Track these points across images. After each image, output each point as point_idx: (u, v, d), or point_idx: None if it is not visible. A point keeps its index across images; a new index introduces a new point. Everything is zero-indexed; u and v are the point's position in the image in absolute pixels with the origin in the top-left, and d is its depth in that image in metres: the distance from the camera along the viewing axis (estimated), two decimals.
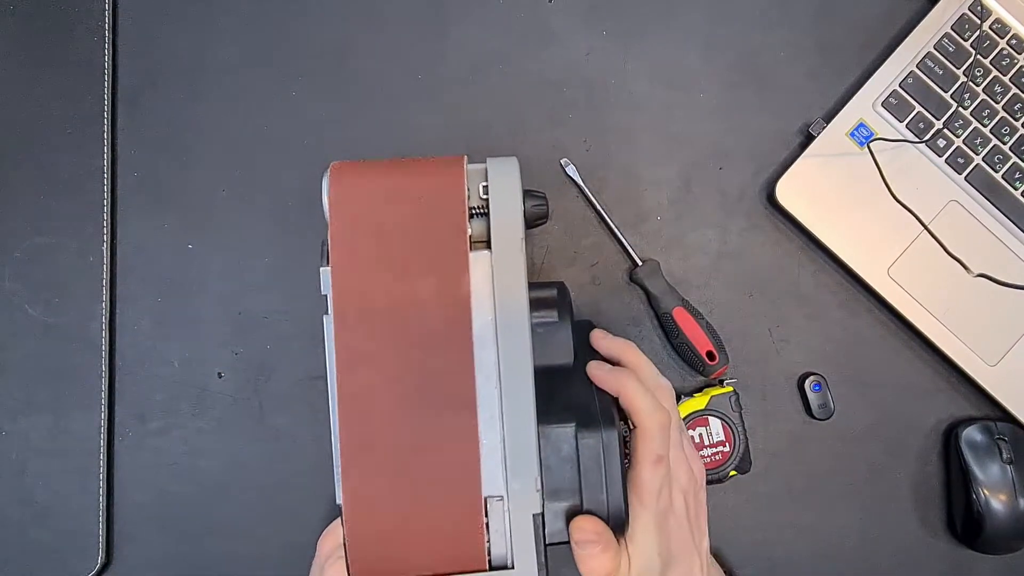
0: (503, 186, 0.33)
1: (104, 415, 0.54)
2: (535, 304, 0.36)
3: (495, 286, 0.33)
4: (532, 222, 0.35)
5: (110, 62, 0.56)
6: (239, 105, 0.57)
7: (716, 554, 0.55)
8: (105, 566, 0.54)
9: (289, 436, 0.55)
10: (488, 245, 0.34)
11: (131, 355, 0.55)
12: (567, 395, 0.37)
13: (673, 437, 0.40)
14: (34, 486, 0.54)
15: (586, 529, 0.36)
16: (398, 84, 0.57)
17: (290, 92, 0.57)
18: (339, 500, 0.33)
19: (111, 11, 0.57)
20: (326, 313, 0.33)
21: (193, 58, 0.57)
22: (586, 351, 0.42)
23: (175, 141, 0.56)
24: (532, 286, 0.34)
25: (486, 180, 0.34)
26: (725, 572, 0.45)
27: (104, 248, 0.55)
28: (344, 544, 0.32)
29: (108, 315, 0.55)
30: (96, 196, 0.55)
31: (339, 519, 0.33)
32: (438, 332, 0.32)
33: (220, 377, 0.55)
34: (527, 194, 0.35)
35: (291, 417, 0.55)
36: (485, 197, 0.33)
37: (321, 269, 0.33)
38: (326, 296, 0.33)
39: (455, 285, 0.32)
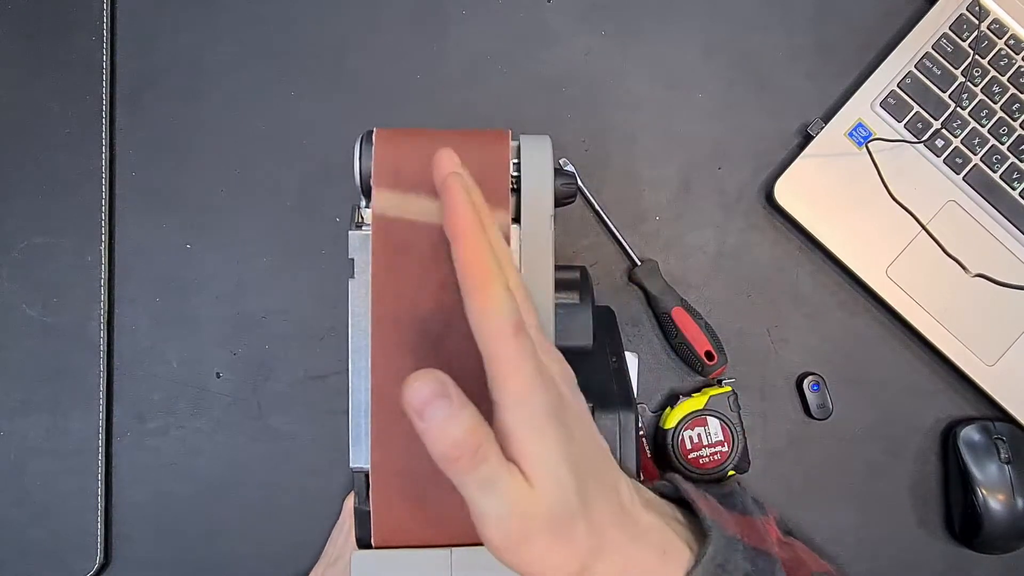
0: (536, 162, 0.34)
1: (102, 415, 0.54)
2: (558, 285, 0.36)
3: (523, 261, 0.33)
4: (560, 200, 0.35)
5: (108, 62, 0.56)
6: (238, 105, 0.57)
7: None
8: (104, 566, 0.54)
9: (288, 436, 0.55)
10: (516, 220, 0.34)
11: (129, 355, 0.55)
12: (585, 377, 0.37)
13: (525, 315, 0.27)
14: (32, 486, 0.54)
15: (421, 384, 0.24)
16: (398, 84, 0.57)
17: (290, 92, 0.57)
18: (352, 464, 0.32)
19: (109, 11, 0.57)
20: (351, 277, 0.33)
21: (192, 58, 0.57)
22: (605, 336, 0.42)
23: (174, 141, 0.56)
24: (556, 268, 0.35)
25: (516, 157, 0.34)
26: (774, 520, 0.36)
27: (102, 248, 0.55)
28: (370, 509, 0.31)
29: (106, 315, 0.55)
30: (94, 196, 0.55)
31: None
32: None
33: (219, 377, 0.55)
34: (557, 173, 0.35)
35: (290, 417, 0.55)
36: (516, 174, 0.34)
37: (349, 232, 0.33)
38: (352, 260, 0.33)
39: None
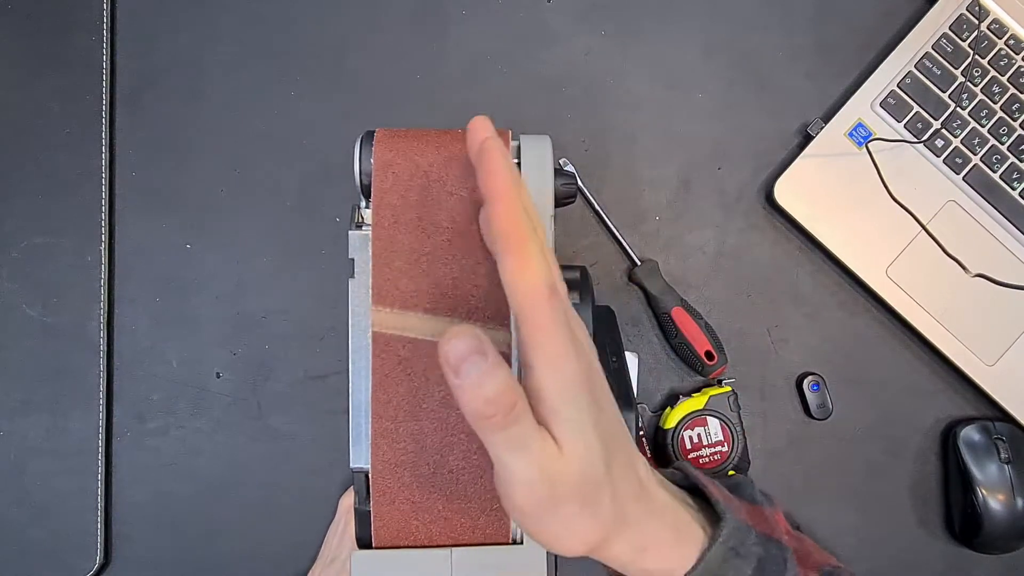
0: (535, 162, 0.34)
1: (102, 415, 0.54)
2: None
3: None
4: (561, 200, 0.35)
5: (108, 62, 0.56)
6: (238, 105, 0.57)
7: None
8: (103, 566, 0.54)
9: (287, 436, 0.55)
10: None
11: (129, 355, 0.55)
12: None
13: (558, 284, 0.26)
14: (32, 486, 0.54)
15: (458, 340, 0.23)
16: (398, 84, 0.57)
17: (289, 92, 0.57)
18: (352, 464, 0.32)
19: (109, 11, 0.57)
20: (351, 276, 0.33)
21: (192, 58, 0.57)
22: (605, 336, 0.42)
23: (174, 141, 0.56)
24: None
25: (516, 157, 0.34)
26: (784, 516, 0.35)
27: (102, 248, 0.55)
28: (370, 509, 0.31)
29: (106, 315, 0.55)
30: (94, 196, 0.55)
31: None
32: (477, 299, 0.32)
33: (218, 377, 0.55)
34: (557, 173, 0.35)
35: (289, 417, 0.55)
36: None
37: (350, 232, 0.33)
38: (352, 260, 0.33)
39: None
